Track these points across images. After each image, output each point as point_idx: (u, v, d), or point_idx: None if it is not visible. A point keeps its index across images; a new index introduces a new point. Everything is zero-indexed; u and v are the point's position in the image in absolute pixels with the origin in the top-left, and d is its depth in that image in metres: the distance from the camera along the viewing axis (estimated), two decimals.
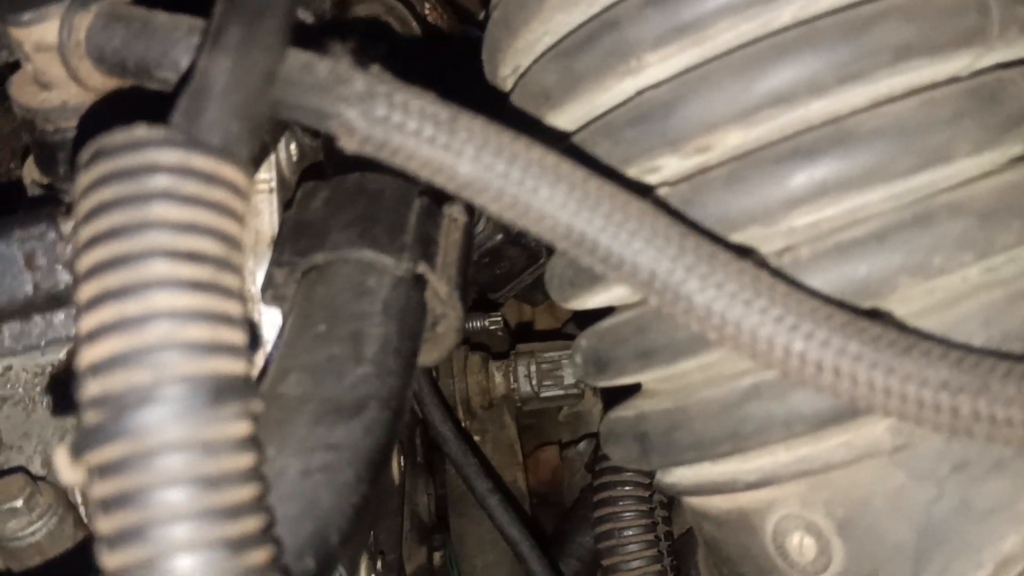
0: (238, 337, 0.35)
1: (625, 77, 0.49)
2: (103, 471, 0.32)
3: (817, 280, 0.45)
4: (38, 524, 0.59)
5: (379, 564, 0.70)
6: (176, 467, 0.32)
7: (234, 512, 0.32)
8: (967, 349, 0.38)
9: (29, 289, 0.53)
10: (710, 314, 0.38)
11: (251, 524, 0.33)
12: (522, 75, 0.56)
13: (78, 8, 0.46)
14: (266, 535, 0.34)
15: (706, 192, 0.47)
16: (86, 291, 0.33)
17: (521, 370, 1.14)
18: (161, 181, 0.34)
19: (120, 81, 0.48)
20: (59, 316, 0.54)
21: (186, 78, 0.37)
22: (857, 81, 0.45)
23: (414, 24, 0.88)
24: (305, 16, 0.56)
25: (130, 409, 0.32)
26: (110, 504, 0.32)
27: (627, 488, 0.86)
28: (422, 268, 0.50)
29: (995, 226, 0.45)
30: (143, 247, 0.33)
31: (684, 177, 0.49)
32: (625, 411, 0.56)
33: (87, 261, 0.33)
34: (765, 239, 0.47)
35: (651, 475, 0.83)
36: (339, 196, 0.52)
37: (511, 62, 0.56)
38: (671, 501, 0.88)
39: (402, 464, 0.84)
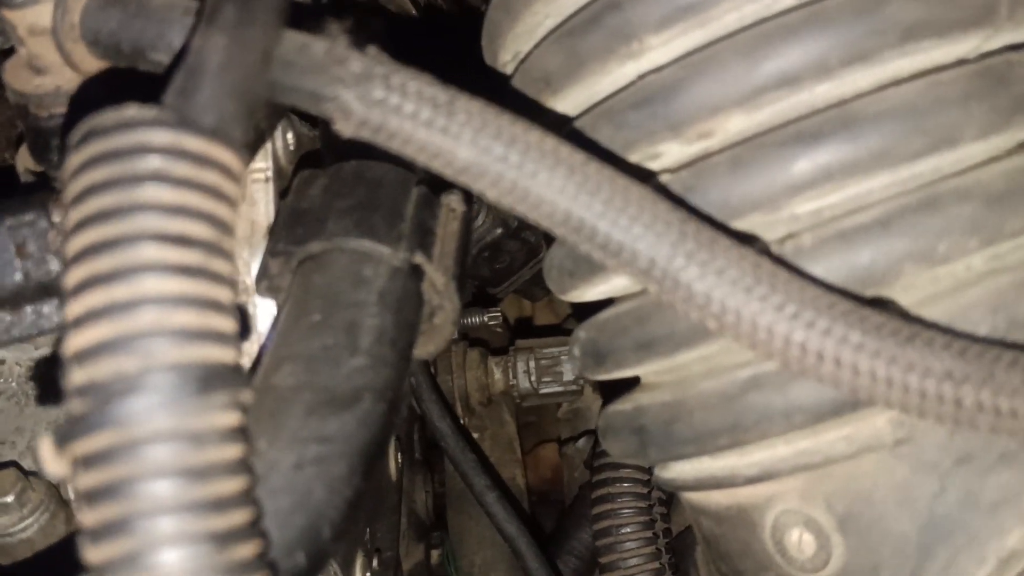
0: (228, 324, 0.34)
1: (627, 60, 0.48)
2: (88, 462, 0.31)
3: (819, 268, 0.44)
4: (30, 520, 0.59)
5: (375, 561, 0.69)
6: (162, 458, 0.31)
7: (221, 505, 0.32)
8: (971, 338, 0.38)
9: (19, 278, 0.52)
10: (710, 302, 0.37)
11: (238, 517, 0.32)
12: (522, 60, 0.55)
13: None
14: (254, 528, 0.33)
15: (708, 178, 0.46)
16: (73, 276, 0.32)
17: (520, 366, 1.13)
18: (152, 162, 0.33)
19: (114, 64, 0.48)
20: (50, 306, 0.53)
21: (179, 58, 0.37)
22: (863, 63, 0.45)
23: (409, 4, 0.88)
24: None
25: (116, 398, 0.31)
26: (94, 496, 0.31)
27: (625, 485, 0.85)
28: (419, 258, 0.49)
29: (1002, 212, 0.44)
30: (132, 230, 0.32)
31: (686, 163, 0.48)
32: (623, 404, 0.55)
33: (75, 245, 0.33)
34: (767, 226, 0.46)
35: (650, 472, 0.83)
36: (336, 184, 0.51)
37: (512, 47, 0.55)
38: (670, 498, 0.87)
39: (400, 461, 0.83)
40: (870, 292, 0.44)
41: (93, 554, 0.31)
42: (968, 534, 0.46)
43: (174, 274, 0.32)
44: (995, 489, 0.45)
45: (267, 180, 0.54)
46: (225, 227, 0.35)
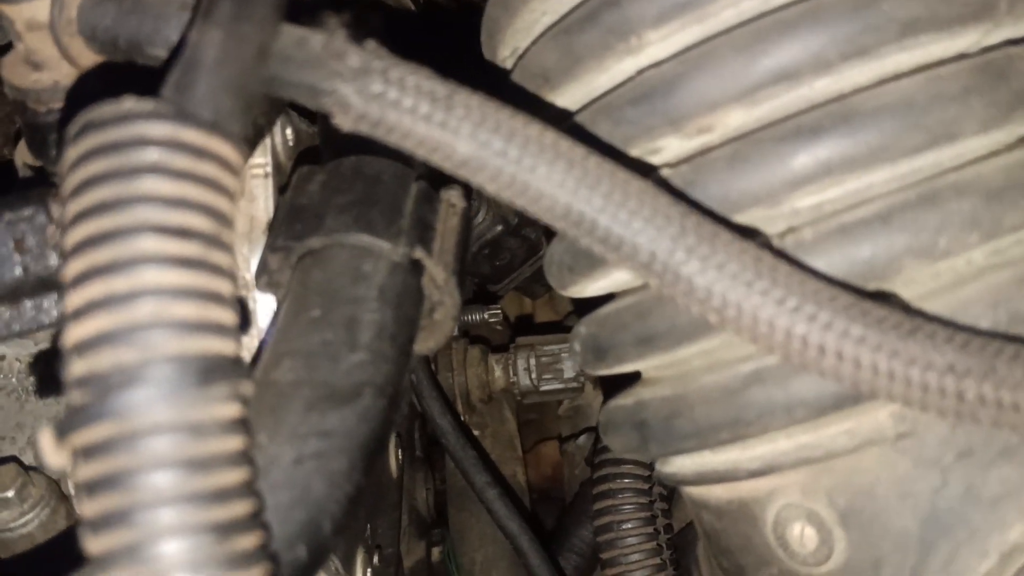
0: (228, 316, 0.34)
1: (625, 56, 0.48)
2: (88, 453, 0.31)
3: (820, 262, 0.44)
4: (30, 515, 0.59)
5: (376, 558, 0.69)
6: (162, 449, 0.31)
7: (222, 496, 0.32)
8: (973, 332, 0.38)
9: (19, 272, 0.52)
10: (711, 296, 0.37)
11: (239, 508, 0.32)
12: (521, 56, 0.55)
13: None
14: (255, 520, 0.33)
15: (708, 173, 0.46)
16: (72, 268, 0.32)
17: (521, 363, 1.13)
18: (150, 155, 0.33)
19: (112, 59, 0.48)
20: (49, 301, 0.53)
21: (177, 52, 0.37)
22: (862, 58, 0.44)
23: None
24: None
25: (116, 389, 0.31)
26: (95, 487, 0.31)
27: (627, 481, 0.85)
28: (419, 253, 0.49)
29: (1002, 207, 0.44)
30: (131, 222, 0.32)
31: (686, 158, 0.48)
32: (624, 399, 0.55)
33: (73, 237, 0.33)
34: (768, 220, 0.46)
35: (651, 467, 0.83)
36: (335, 180, 0.51)
37: (510, 43, 0.55)
38: (671, 494, 0.87)
39: (400, 458, 0.83)
40: (871, 287, 0.44)
41: (94, 545, 0.31)
42: (969, 528, 0.45)
43: (173, 266, 0.32)
44: (996, 483, 0.45)
45: (266, 176, 0.54)
46: (224, 219, 0.35)
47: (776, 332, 0.37)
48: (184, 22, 0.41)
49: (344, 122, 0.38)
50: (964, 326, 0.39)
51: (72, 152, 0.34)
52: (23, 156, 0.59)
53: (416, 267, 0.49)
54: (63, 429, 0.32)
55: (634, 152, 0.49)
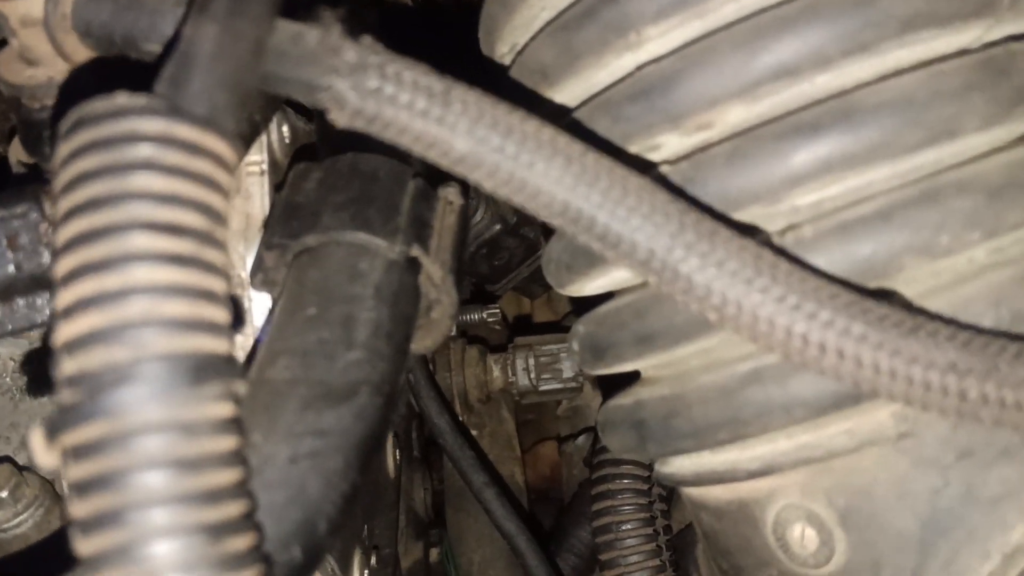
0: (220, 315, 0.34)
1: (625, 52, 0.48)
2: (78, 452, 0.31)
3: (820, 260, 0.44)
4: (24, 516, 0.58)
5: (373, 559, 0.69)
6: (154, 449, 0.30)
7: (214, 496, 0.31)
8: (975, 330, 0.37)
9: (11, 270, 0.52)
10: (710, 293, 0.37)
11: (232, 509, 0.32)
12: (519, 52, 0.55)
13: None
14: (248, 521, 0.33)
15: (707, 170, 0.46)
16: (63, 265, 0.32)
17: (519, 363, 1.13)
18: (143, 151, 0.33)
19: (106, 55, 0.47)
20: (43, 299, 0.53)
21: (171, 47, 0.36)
22: (863, 53, 0.44)
23: None
24: None
25: (107, 388, 0.31)
26: (85, 487, 0.30)
27: (626, 481, 0.85)
28: (416, 251, 0.49)
29: (1003, 204, 0.44)
30: (123, 219, 0.32)
31: (685, 155, 0.48)
32: (623, 399, 0.55)
33: (64, 234, 0.32)
34: (767, 218, 0.46)
35: (650, 468, 0.82)
36: (332, 177, 0.51)
37: (509, 39, 0.55)
38: (670, 495, 0.87)
39: (398, 458, 0.83)
40: (871, 285, 0.44)
41: (84, 546, 0.30)
42: (970, 529, 0.45)
43: (165, 263, 0.32)
44: (998, 484, 0.45)
45: (262, 173, 0.54)
46: (218, 216, 0.34)
47: (776, 330, 0.37)
48: (179, 17, 0.40)
49: (340, 118, 0.38)
50: (966, 324, 0.39)
51: (64, 148, 0.34)
52: (17, 153, 0.59)
53: (413, 265, 0.49)
54: (53, 428, 0.31)
55: (633, 149, 0.48)
